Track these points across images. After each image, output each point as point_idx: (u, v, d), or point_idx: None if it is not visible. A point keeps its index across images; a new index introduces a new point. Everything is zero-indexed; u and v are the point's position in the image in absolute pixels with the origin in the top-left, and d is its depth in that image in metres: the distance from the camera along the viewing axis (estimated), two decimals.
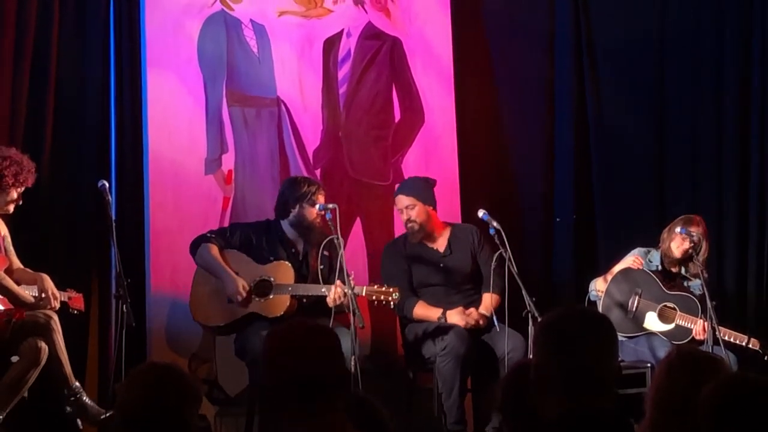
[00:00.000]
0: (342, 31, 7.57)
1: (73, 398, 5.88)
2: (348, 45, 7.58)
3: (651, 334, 6.76)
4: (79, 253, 6.87)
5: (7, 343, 5.78)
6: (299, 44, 7.43)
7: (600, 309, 6.63)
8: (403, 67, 7.69)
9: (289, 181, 6.65)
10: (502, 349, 6.36)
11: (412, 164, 7.64)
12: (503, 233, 6.36)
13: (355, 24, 7.60)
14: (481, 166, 7.77)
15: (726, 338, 6.54)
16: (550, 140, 8.09)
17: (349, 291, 6.10)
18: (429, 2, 7.77)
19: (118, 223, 6.29)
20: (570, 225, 7.99)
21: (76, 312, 6.20)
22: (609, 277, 6.85)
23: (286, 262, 6.42)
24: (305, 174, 7.24)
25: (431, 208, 6.75)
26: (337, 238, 6.21)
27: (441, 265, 6.74)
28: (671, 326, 6.74)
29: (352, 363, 5.87)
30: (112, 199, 6.27)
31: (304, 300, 6.38)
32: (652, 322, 6.77)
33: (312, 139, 7.44)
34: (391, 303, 6.40)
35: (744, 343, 6.71)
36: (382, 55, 7.66)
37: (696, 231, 6.76)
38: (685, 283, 6.88)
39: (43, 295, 5.89)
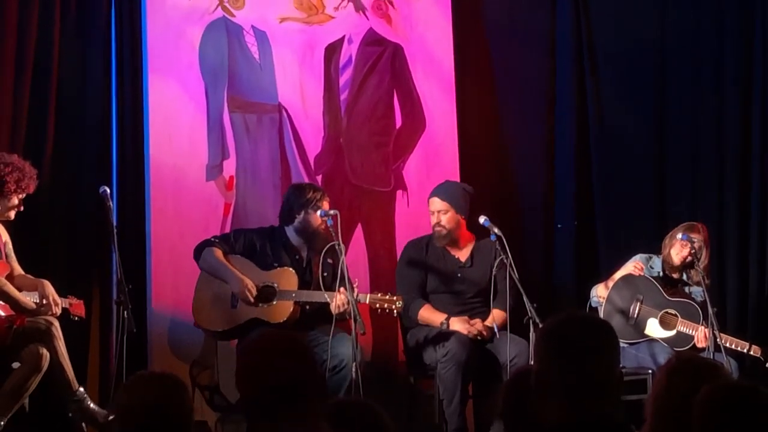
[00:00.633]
0: (343, 37, 7.57)
1: (76, 403, 5.88)
2: (349, 51, 7.58)
3: (652, 340, 6.75)
4: (80, 259, 6.87)
5: (9, 349, 5.78)
6: (300, 50, 7.44)
7: (601, 315, 6.62)
8: (405, 73, 7.70)
9: (294, 188, 6.65)
10: (505, 355, 6.35)
11: (413, 170, 7.64)
12: (504, 239, 6.37)
13: (356, 30, 7.61)
14: (482, 171, 7.77)
15: (727, 345, 6.54)
16: (551, 145, 8.09)
17: (352, 298, 6.10)
18: (430, 8, 7.77)
19: (119, 229, 6.28)
20: (571, 231, 7.99)
21: (77, 318, 6.21)
22: (610, 283, 6.85)
23: (290, 269, 6.42)
24: (306, 180, 7.24)
25: (462, 217, 6.72)
26: (339, 245, 6.21)
27: (459, 275, 6.73)
28: (672, 333, 6.74)
29: (353, 369, 5.87)
30: (113, 205, 6.26)
31: (307, 307, 6.37)
32: (653, 328, 6.76)
33: (313, 145, 7.44)
34: (395, 311, 6.39)
35: (745, 350, 6.71)
36: (384, 62, 7.66)
37: (697, 238, 6.76)
38: (687, 290, 6.88)
39: (44, 301, 5.90)
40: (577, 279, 7.85)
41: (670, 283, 6.88)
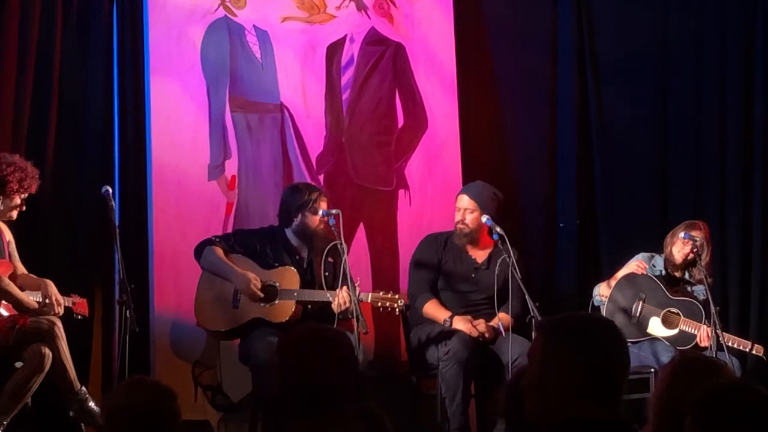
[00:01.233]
0: (345, 36, 7.57)
1: (78, 403, 5.88)
2: (351, 51, 7.58)
3: (655, 339, 6.76)
4: (82, 259, 6.87)
5: (11, 349, 5.79)
6: (302, 50, 7.44)
7: (604, 314, 6.62)
8: (406, 72, 7.70)
9: (291, 189, 6.62)
10: (508, 355, 6.35)
11: (415, 170, 7.64)
12: (506, 238, 6.37)
13: (358, 30, 7.61)
14: (483, 171, 7.75)
15: (729, 344, 6.55)
16: (553, 146, 8.10)
17: (354, 297, 6.10)
18: (432, 8, 7.77)
19: (122, 228, 6.28)
20: (573, 230, 7.99)
21: (80, 317, 6.22)
22: (613, 282, 6.85)
23: (292, 268, 6.41)
24: (308, 180, 7.24)
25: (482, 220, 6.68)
26: (341, 244, 6.21)
27: (473, 275, 6.72)
28: (675, 332, 6.74)
29: None
30: (115, 204, 6.27)
31: (309, 306, 6.37)
32: (655, 327, 6.77)
33: (315, 144, 7.44)
34: (396, 310, 6.40)
35: (747, 349, 6.72)
36: (385, 61, 7.66)
37: (698, 236, 6.76)
38: (689, 289, 6.88)
39: (47, 301, 5.91)
40: (579, 278, 7.85)
41: (673, 282, 6.88)
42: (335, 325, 6.13)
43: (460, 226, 6.72)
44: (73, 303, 6.14)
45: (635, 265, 6.86)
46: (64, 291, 6.05)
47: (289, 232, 6.52)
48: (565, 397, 2.93)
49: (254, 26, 7.34)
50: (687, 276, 6.91)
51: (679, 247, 6.81)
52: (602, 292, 6.86)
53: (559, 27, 8.09)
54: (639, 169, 8.07)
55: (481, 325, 6.51)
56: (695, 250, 6.72)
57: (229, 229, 7.01)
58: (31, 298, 5.92)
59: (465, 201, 6.73)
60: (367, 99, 7.59)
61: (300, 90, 7.41)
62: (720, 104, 7.98)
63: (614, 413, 2.95)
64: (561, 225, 8.03)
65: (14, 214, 5.99)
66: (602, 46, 8.04)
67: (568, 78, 8.05)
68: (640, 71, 8.08)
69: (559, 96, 8.10)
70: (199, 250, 6.46)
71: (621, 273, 6.86)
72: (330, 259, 6.47)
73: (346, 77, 7.55)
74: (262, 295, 6.31)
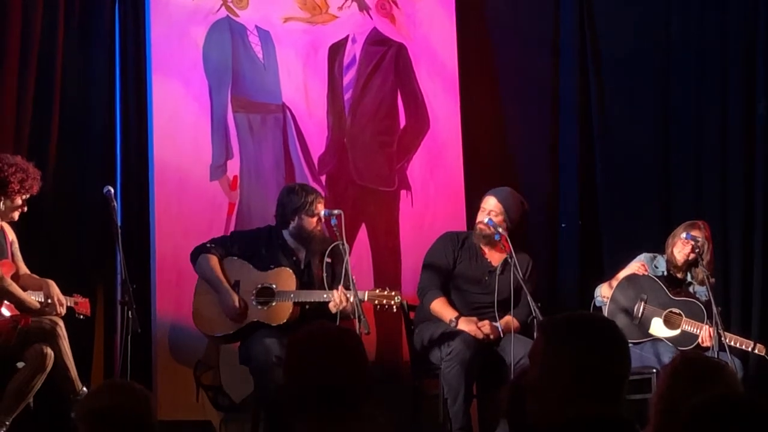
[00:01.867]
0: (347, 37, 7.57)
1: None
2: (353, 51, 7.58)
3: (657, 339, 6.75)
4: (84, 259, 6.88)
5: (13, 349, 5.79)
6: (304, 50, 7.44)
7: (605, 315, 6.62)
8: (409, 73, 7.69)
9: (287, 191, 6.59)
10: (511, 356, 6.34)
11: (417, 170, 7.64)
12: (508, 239, 6.37)
13: (360, 30, 7.61)
14: (486, 171, 7.76)
15: (732, 344, 6.55)
16: (555, 146, 8.10)
17: (355, 297, 6.10)
18: (434, 8, 7.78)
19: (124, 229, 6.28)
20: (575, 231, 7.99)
21: (82, 317, 6.22)
22: (614, 282, 6.84)
23: (288, 269, 6.39)
24: (310, 180, 7.24)
25: (508, 227, 6.66)
26: (342, 244, 6.21)
27: (486, 278, 6.71)
28: (677, 332, 6.74)
29: None
30: (117, 205, 6.27)
31: (307, 306, 6.36)
32: (657, 327, 6.76)
33: (317, 145, 7.44)
34: (394, 307, 6.38)
35: (750, 349, 6.71)
36: (387, 61, 7.66)
37: (699, 235, 6.76)
38: (691, 289, 6.87)
39: (49, 301, 5.91)
40: (581, 279, 7.85)
41: (675, 282, 6.87)
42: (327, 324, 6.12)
43: (480, 226, 6.69)
44: (76, 303, 6.14)
45: (637, 265, 6.86)
46: (66, 291, 6.05)
47: (286, 234, 6.50)
48: (566, 397, 2.93)
49: (256, 26, 7.34)
50: (689, 277, 6.91)
51: (680, 248, 6.81)
52: (604, 292, 6.85)
53: (561, 27, 8.10)
54: (641, 170, 8.07)
55: (486, 326, 6.49)
56: (697, 250, 6.73)
57: (232, 229, 7.01)
58: (33, 299, 5.93)
59: (492, 203, 6.70)
60: (369, 99, 7.59)
61: (302, 90, 7.42)
62: (722, 104, 7.97)
63: (616, 412, 2.95)
64: (563, 225, 8.04)
65: (15, 215, 5.99)
66: (604, 46, 8.04)
67: (569, 78, 8.06)
68: (641, 71, 8.08)
69: (561, 95, 8.10)
70: (195, 256, 6.45)
71: (623, 273, 6.86)
72: (328, 260, 6.45)
73: (348, 77, 7.56)
74: (237, 320, 6.29)
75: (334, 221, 6.27)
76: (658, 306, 6.77)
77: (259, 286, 6.35)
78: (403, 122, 7.67)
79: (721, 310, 6.56)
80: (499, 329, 6.49)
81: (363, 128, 7.56)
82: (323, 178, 7.41)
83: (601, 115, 8.02)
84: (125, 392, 3.37)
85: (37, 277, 6.07)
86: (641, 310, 6.76)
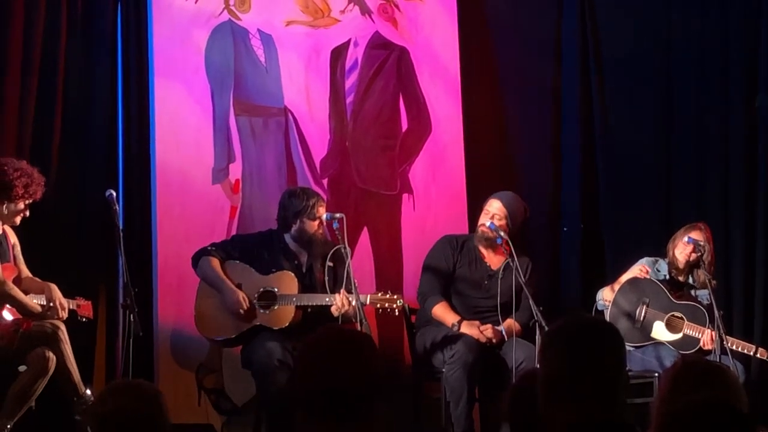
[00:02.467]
0: (349, 40, 7.58)
1: (82, 407, 5.89)
2: (355, 54, 7.59)
3: (658, 343, 6.75)
4: (86, 263, 6.87)
5: (15, 352, 5.80)
6: (306, 54, 7.44)
7: (607, 318, 6.62)
8: (411, 76, 7.70)
9: (288, 194, 6.58)
10: (512, 358, 6.34)
11: (419, 174, 7.64)
12: (510, 242, 6.37)
13: (362, 33, 7.61)
14: (488, 174, 7.76)
15: (734, 348, 6.54)
16: (557, 149, 8.09)
17: (356, 301, 6.10)
18: (436, 12, 7.78)
19: (126, 232, 6.28)
20: (577, 234, 7.99)
21: (84, 320, 6.23)
22: (616, 286, 6.84)
23: (290, 272, 6.39)
24: (312, 184, 7.24)
25: (509, 230, 6.65)
26: (344, 248, 6.21)
27: (485, 282, 6.71)
28: (679, 336, 6.74)
29: None
30: (119, 208, 6.28)
31: (309, 310, 6.36)
32: (659, 331, 6.76)
33: (319, 148, 7.44)
34: (396, 311, 6.39)
35: (752, 353, 6.71)
36: (390, 65, 7.66)
37: (700, 237, 6.76)
38: (693, 293, 6.87)
39: (51, 305, 5.91)
40: (583, 282, 7.85)
41: (676, 286, 6.88)
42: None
43: (483, 229, 6.68)
44: (78, 305, 6.15)
45: (638, 269, 6.86)
46: (68, 294, 6.05)
47: (287, 237, 6.50)
48: (567, 400, 2.94)
49: (258, 30, 7.35)
50: (691, 280, 6.91)
51: (681, 249, 6.81)
52: (606, 296, 6.85)
53: (563, 31, 8.10)
54: (643, 173, 8.06)
55: (488, 330, 6.49)
56: (698, 252, 6.73)
57: (234, 233, 7.01)
58: (35, 302, 5.93)
59: (496, 206, 6.69)
60: (371, 103, 7.59)
61: (304, 94, 7.42)
62: (724, 106, 7.97)
63: (617, 416, 2.95)
64: (565, 229, 8.03)
65: (18, 219, 5.99)
66: (607, 49, 8.04)
67: (571, 81, 8.05)
68: (644, 73, 8.07)
69: (563, 98, 8.10)
70: (196, 260, 6.45)
71: (624, 277, 6.86)
72: (330, 264, 6.45)
73: (350, 81, 7.56)
74: (244, 315, 6.28)
75: (335, 225, 6.27)
76: (660, 309, 6.77)
77: (261, 289, 6.35)
78: (405, 126, 7.67)
79: (723, 314, 6.56)
80: (503, 333, 6.49)
81: (365, 132, 7.57)
82: (325, 181, 7.41)
83: (603, 117, 8.01)
84: (130, 393, 3.33)
85: (39, 280, 6.08)
86: (643, 314, 6.76)
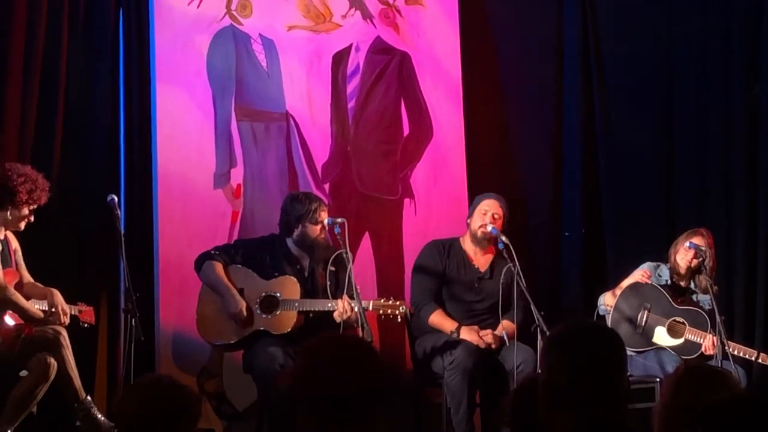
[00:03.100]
0: (351, 45, 7.58)
1: (83, 413, 5.88)
2: (357, 59, 7.59)
3: (660, 348, 6.75)
4: (88, 267, 6.87)
5: (16, 357, 5.79)
6: (308, 59, 7.45)
7: (609, 323, 6.62)
8: (412, 81, 7.70)
9: (290, 199, 6.57)
10: (511, 362, 6.34)
11: (420, 179, 7.64)
12: (511, 247, 6.37)
13: (363, 38, 7.62)
14: (489, 179, 7.76)
15: (735, 353, 6.54)
16: (559, 154, 8.10)
17: (358, 306, 6.10)
18: (437, 17, 7.78)
19: (127, 237, 6.28)
20: (579, 239, 7.99)
21: (86, 325, 6.22)
22: (618, 291, 6.84)
23: (292, 277, 6.38)
24: (314, 188, 7.24)
25: (501, 230, 6.65)
26: (346, 253, 6.20)
27: (476, 285, 6.71)
28: (680, 341, 6.74)
29: None
30: (121, 213, 6.27)
31: (311, 315, 6.35)
32: (661, 336, 6.76)
33: (321, 153, 7.44)
34: (398, 317, 6.38)
35: (753, 358, 6.71)
36: (391, 70, 7.67)
37: (701, 242, 6.76)
38: (695, 298, 6.87)
39: (53, 311, 5.91)
40: (584, 287, 7.85)
41: (678, 291, 6.88)
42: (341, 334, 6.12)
43: (483, 230, 6.66)
44: (80, 311, 6.14)
45: (640, 274, 6.86)
46: (69, 299, 6.05)
47: (289, 242, 6.50)
48: (568, 405, 2.93)
49: (260, 35, 7.35)
50: (692, 285, 6.91)
51: (683, 254, 6.81)
52: (607, 301, 6.85)
53: (564, 35, 8.10)
54: (645, 177, 8.07)
55: (488, 336, 6.49)
56: (699, 257, 6.73)
57: (235, 237, 7.01)
58: (37, 308, 5.93)
59: (496, 206, 6.69)
60: (372, 108, 7.60)
61: (306, 99, 7.42)
62: (725, 104, 7.97)
63: (618, 421, 2.95)
64: (566, 234, 8.03)
65: (22, 224, 5.99)
66: (608, 52, 8.04)
67: (573, 86, 8.06)
68: (646, 76, 8.08)
69: (564, 103, 8.10)
70: (199, 263, 6.44)
71: (626, 282, 6.86)
72: (332, 268, 6.45)
73: (352, 86, 7.56)
74: (239, 325, 6.28)
75: (337, 229, 6.26)
76: (662, 315, 6.77)
77: (264, 294, 6.34)
78: (406, 130, 7.68)
79: (724, 319, 6.57)
80: (504, 338, 6.48)
81: (366, 137, 7.57)
82: (327, 186, 7.41)
83: (605, 122, 8.01)
84: (155, 392, 3.26)
85: (41, 285, 6.07)
86: (644, 319, 6.76)
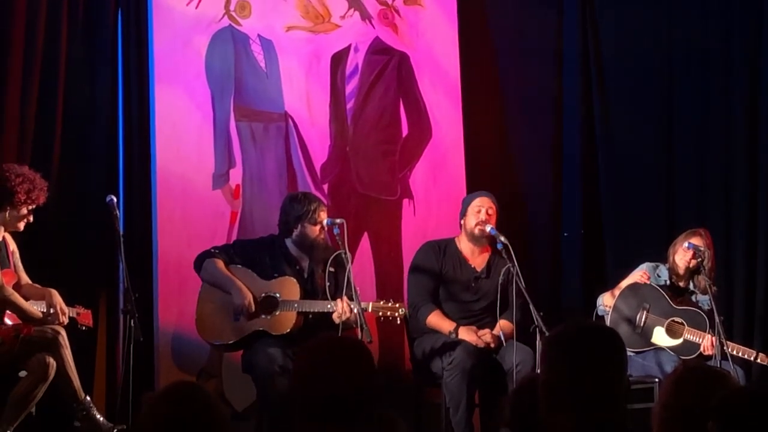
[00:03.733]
0: (349, 46, 7.59)
1: (82, 413, 5.88)
2: (355, 60, 7.60)
3: (659, 349, 6.75)
4: (87, 268, 6.87)
5: (15, 358, 5.79)
6: (307, 59, 7.45)
7: (608, 324, 6.62)
8: (411, 82, 7.71)
9: (289, 199, 6.57)
10: (510, 362, 6.35)
11: (419, 179, 7.65)
12: (510, 247, 6.37)
13: (362, 39, 7.62)
14: (488, 180, 7.76)
15: (734, 353, 6.54)
16: (558, 155, 8.10)
17: (357, 307, 6.10)
18: (436, 17, 7.79)
19: (126, 237, 6.28)
20: (578, 239, 7.99)
21: (84, 328, 6.22)
22: (617, 291, 6.85)
23: (291, 278, 6.37)
24: (313, 189, 7.24)
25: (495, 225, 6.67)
26: (345, 253, 6.20)
27: (473, 284, 6.72)
28: (679, 341, 6.74)
29: None
30: (120, 213, 6.27)
31: (310, 316, 6.35)
32: (660, 337, 6.76)
33: (319, 154, 7.44)
34: (398, 319, 6.39)
35: (752, 358, 6.71)
36: (390, 70, 7.67)
37: (700, 243, 6.76)
38: (694, 298, 6.88)
39: (52, 311, 5.91)
40: (583, 288, 7.85)
41: (677, 291, 6.88)
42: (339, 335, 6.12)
43: (480, 227, 6.67)
44: (78, 314, 6.14)
45: (639, 274, 6.86)
46: (68, 300, 6.05)
47: (289, 242, 6.50)
48: (568, 405, 2.94)
49: (259, 35, 7.35)
50: (691, 286, 6.91)
51: (681, 255, 6.82)
52: (606, 302, 6.86)
53: (564, 35, 8.11)
54: (644, 178, 8.07)
55: (486, 335, 6.50)
56: (698, 258, 6.73)
57: (234, 238, 7.01)
58: (36, 308, 5.92)
59: (488, 202, 6.71)
60: (371, 108, 7.60)
61: (304, 99, 7.43)
62: (726, 111, 7.98)
63: (618, 421, 2.96)
64: (565, 234, 8.04)
65: (21, 225, 5.99)
66: (607, 54, 8.05)
67: (572, 86, 8.07)
68: (645, 79, 8.08)
69: (564, 104, 8.11)
70: (199, 262, 6.43)
71: (625, 283, 6.86)
72: (331, 269, 6.44)
73: (351, 86, 7.57)
74: (251, 316, 6.28)
75: (336, 230, 6.26)
76: (661, 315, 6.77)
77: (264, 294, 6.34)
78: (405, 131, 7.68)
79: (723, 319, 6.57)
80: (502, 338, 6.49)
81: (365, 137, 7.57)
82: (326, 186, 7.41)
83: (604, 123, 8.03)
84: (183, 398, 3.20)
85: (39, 286, 6.07)
86: (643, 319, 6.76)
